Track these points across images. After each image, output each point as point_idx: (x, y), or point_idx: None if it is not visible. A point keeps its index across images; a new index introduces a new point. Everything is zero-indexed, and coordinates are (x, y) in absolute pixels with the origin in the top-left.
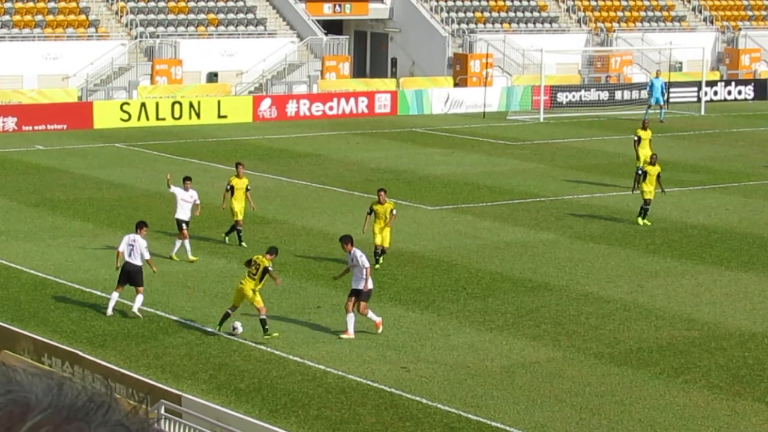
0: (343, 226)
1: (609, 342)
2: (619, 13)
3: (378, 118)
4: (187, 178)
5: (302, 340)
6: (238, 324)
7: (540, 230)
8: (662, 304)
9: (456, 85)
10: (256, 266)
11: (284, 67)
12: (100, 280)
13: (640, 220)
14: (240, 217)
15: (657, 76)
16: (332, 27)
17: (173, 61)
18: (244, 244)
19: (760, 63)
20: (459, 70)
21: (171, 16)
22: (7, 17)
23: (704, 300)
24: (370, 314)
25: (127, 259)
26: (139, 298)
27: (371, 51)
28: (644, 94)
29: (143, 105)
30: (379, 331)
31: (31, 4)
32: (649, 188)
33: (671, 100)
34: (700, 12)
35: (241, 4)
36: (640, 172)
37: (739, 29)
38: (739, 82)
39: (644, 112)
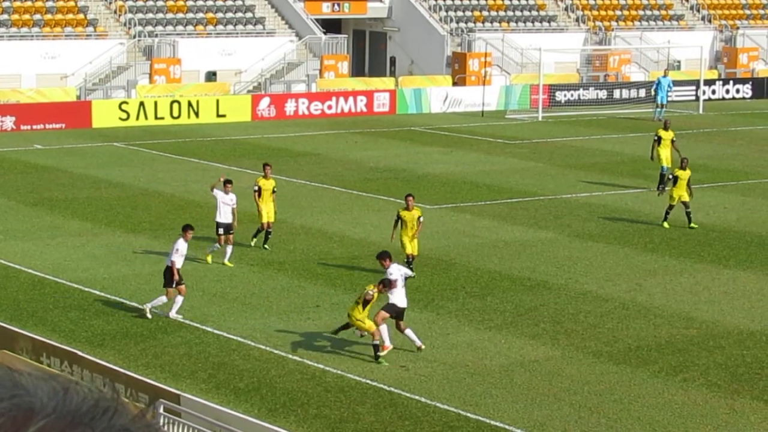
0: (342, 224)
1: (608, 340)
2: (618, 12)
3: (377, 117)
4: (227, 181)
5: (301, 339)
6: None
7: (538, 229)
8: (661, 303)
9: (455, 84)
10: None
11: (283, 66)
12: (99, 279)
13: (665, 224)
14: (268, 219)
15: (665, 75)
16: (331, 26)
17: (172, 60)
18: (266, 246)
19: (758, 62)
20: (458, 69)
21: (170, 15)
22: (5, 16)
23: (702, 298)
24: (410, 333)
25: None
26: (179, 300)
27: (370, 50)
28: (642, 92)
29: (142, 104)
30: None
31: (29, 3)
32: (678, 194)
33: (669, 98)
34: (699, 11)
35: (239, 3)
36: (670, 176)
37: (737, 28)
38: (737, 81)
39: (653, 111)
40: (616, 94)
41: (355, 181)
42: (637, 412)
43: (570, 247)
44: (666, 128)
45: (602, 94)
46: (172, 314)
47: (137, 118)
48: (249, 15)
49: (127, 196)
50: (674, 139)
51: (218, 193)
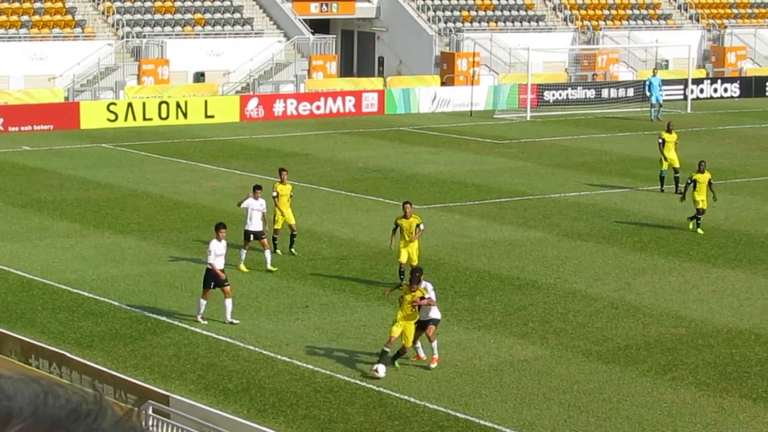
0: (331, 225)
1: (597, 339)
2: (606, 12)
3: (365, 117)
4: (257, 187)
5: (290, 340)
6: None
7: (527, 228)
8: (650, 302)
9: (443, 83)
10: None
11: (271, 67)
12: (88, 280)
13: (691, 225)
14: (289, 222)
15: (654, 74)
16: (319, 26)
17: (160, 61)
18: (279, 251)
19: (746, 61)
20: (446, 69)
21: (158, 16)
22: None
23: (691, 297)
24: (418, 344)
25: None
26: (228, 303)
27: (358, 50)
28: (630, 92)
29: (130, 105)
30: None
31: (17, 4)
32: (701, 197)
33: None
34: (686, 10)
35: (227, 3)
36: (689, 180)
37: (725, 27)
38: (725, 80)
39: (649, 111)
40: (605, 93)
41: (343, 182)
42: (626, 411)
43: (559, 246)
44: (669, 130)
45: (590, 93)
46: (228, 320)
47: (125, 119)
48: (237, 16)
49: (115, 197)
50: (677, 141)
51: (248, 202)
